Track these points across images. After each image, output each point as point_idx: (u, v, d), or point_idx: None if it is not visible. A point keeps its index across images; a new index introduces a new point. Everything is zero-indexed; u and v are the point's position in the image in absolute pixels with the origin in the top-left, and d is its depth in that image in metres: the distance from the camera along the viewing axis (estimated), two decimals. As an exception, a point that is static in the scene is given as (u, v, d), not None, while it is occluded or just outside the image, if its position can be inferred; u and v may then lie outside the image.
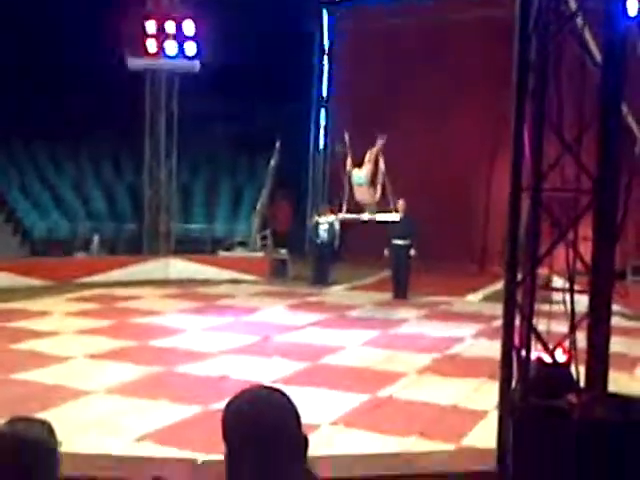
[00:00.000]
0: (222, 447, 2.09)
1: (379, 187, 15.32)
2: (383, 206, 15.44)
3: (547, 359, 5.43)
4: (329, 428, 7.90)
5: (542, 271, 5.88)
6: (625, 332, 11.64)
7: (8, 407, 7.42)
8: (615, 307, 5.86)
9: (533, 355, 5.51)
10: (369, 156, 15.29)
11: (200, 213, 21.34)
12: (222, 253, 19.58)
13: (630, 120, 15.63)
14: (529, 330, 5.50)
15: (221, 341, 11.98)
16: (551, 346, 5.44)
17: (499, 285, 11.67)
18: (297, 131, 22.93)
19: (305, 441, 2.10)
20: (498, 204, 15.93)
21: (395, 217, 15.65)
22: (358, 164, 15.39)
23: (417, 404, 8.90)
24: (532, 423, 5.17)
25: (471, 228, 20.47)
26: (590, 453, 4.52)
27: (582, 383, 5.40)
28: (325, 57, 23.58)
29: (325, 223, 18.18)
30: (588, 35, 6.74)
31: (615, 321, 6.11)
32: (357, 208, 15.60)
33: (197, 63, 18.74)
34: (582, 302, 5.56)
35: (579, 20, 6.01)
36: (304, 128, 23.59)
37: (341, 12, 22.21)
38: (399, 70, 20.44)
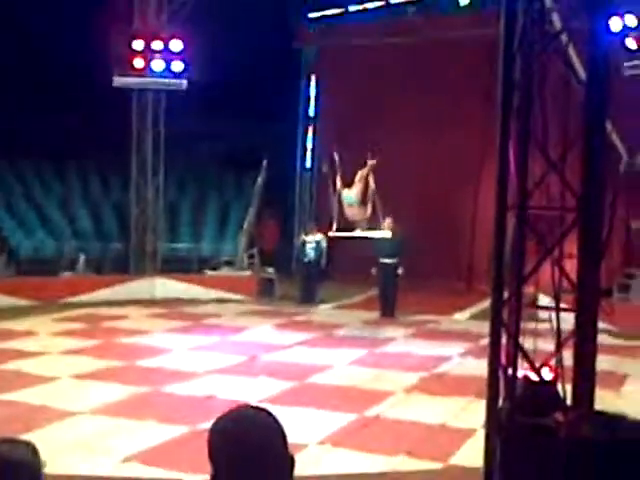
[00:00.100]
0: (209, 468, 2.07)
1: (369, 205, 15.35)
2: (374, 223, 15.47)
3: (534, 377, 5.44)
4: (316, 448, 7.86)
5: (528, 289, 5.89)
6: (612, 350, 11.68)
7: (-8, 428, 7.36)
8: (601, 325, 5.88)
9: (520, 373, 5.51)
10: (359, 176, 15.32)
11: (187, 232, 21.28)
12: (209, 272, 19.53)
13: (614, 138, 15.74)
14: (515, 348, 5.50)
15: (208, 361, 11.92)
16: (538, 364, 5.45)
17: (486, 303, 11.65)
18: (284, 149, 22.95)
19: (292, 461, 2.08)
20: (484, 222, 15.96)
21: (386, 234, 15.68)
22: (347, 184, 15.41)
23: (405, 423, 8.88)
24: (519, 442, 5.17)
25: (458, 246, 20.49)
26: (577, 472, 4.50)
27: (569, 401, 5.40)
28: (312, 76, 23.64)
29: (312, 242, 18.18)
30: (572, 53, 6.79)
31: (601, 339, 6.13)
32: (348, 225, 15.61)
33: (184, 81, 18.75)
34: (568, 320, 5.57)
35: (564, 37, 6.06)
36: (291, 146, 23.61)
37: (328, 30, 22.28)
38: (385, 88, 20.51)
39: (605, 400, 6.22)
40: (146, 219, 19.66)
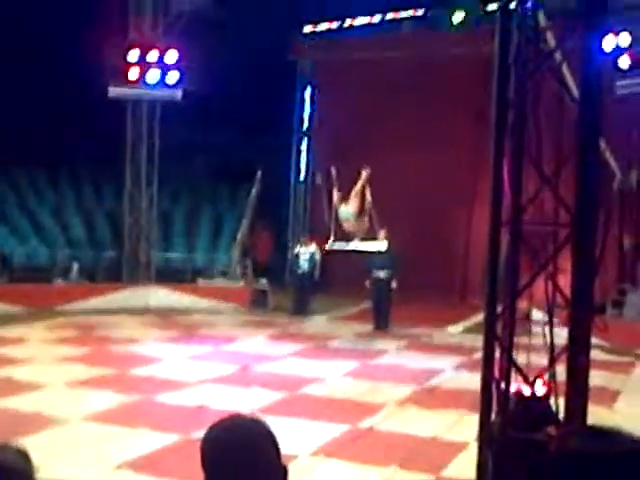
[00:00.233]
0: (201, 476, 2.09)
1: (366, 218, 15.39)
2: (370, 235, 15.52)
3: (527, 391, 5.46)
4: (309, 458, 7.88)
5: (522, 304, 5.93)
6: (604, 366, 11.69)
7: (-15, 436, 7.35)
8: (594, 340, 5.91)
9: (513, 387, 5.53)
10: (355, 191, 15.36)
11: (180, 243, 21.27)
12: (202, 282, 19.52)
13: (608, 155, 15.82)
14: (509, 362, 5.53)
15: (201, 370, 11.92)
16: (531, 378, 5.48)
17: (480, 317, 11.69)
18: (278, 161, 22.96)
19: (284, 471, 2.09)
20: (478, 236, 16.01)
21: (382, 245, 15.71)
22: (343, 198, 15.44)
23: (397, 435, 8.89)
24: (511, 456, 5.19)
25: (452, 260, 20.52)
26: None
27: (561, 416, 5.43)
28: (307, 88, 23.72)
29: (306, 253, 18.21)
30: (566, 71, 6.86)
31: (594, 354, 6.16)
32: (345, 236, 15.63)
33: (179, 92, 18.78)
34: (562, 335, 5.60)
35: (557, 56, 6.12)
36: (285, 158, 23.63)
37: (323, 43, 22.36)
38: (380, 102, 20.56)
39: (598, 416, 6.25)
40: (139, 228, 19.66)
